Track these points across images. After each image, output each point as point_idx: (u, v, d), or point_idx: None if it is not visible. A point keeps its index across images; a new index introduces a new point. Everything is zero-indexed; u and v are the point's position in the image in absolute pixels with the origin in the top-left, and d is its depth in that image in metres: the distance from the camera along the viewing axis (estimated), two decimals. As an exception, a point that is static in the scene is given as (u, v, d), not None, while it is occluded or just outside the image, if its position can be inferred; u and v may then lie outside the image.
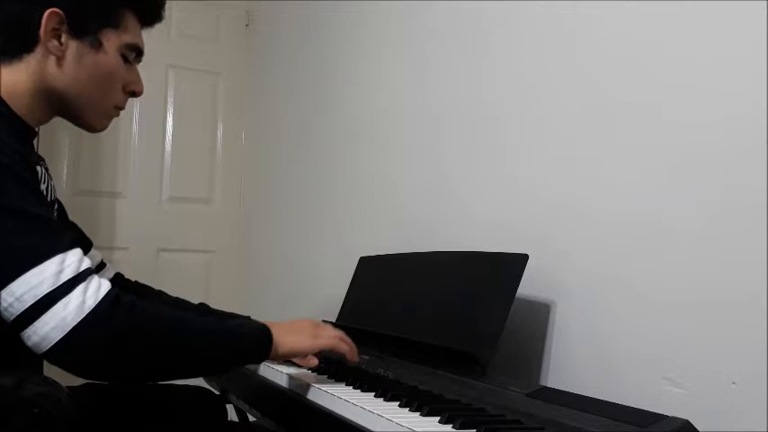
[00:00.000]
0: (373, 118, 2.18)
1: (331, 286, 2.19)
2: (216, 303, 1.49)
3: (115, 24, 1.13)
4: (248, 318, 1.36)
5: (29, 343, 0.90)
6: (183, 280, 2.87)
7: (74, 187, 2.82)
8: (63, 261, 0.91)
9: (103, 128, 1.19)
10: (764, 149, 1.06)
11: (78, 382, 1.27)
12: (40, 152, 1.18)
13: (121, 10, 1.14)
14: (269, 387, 1.31)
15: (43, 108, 1.11)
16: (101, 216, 2.86)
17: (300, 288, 2.58)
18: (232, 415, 1.56)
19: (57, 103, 1.12)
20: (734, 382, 1.08)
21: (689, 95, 1.20)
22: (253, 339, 1.11)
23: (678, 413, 0.92)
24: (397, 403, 1.04)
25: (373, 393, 1.10)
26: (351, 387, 1.16)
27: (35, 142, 1.17)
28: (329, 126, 2.45)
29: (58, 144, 2.77)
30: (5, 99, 1.07)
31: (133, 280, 1.48)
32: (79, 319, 0.89)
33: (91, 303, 0.90)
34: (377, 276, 1.75)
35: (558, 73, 1.48)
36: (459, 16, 1.80)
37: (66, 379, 0.97)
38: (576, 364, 1.35)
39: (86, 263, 0.94)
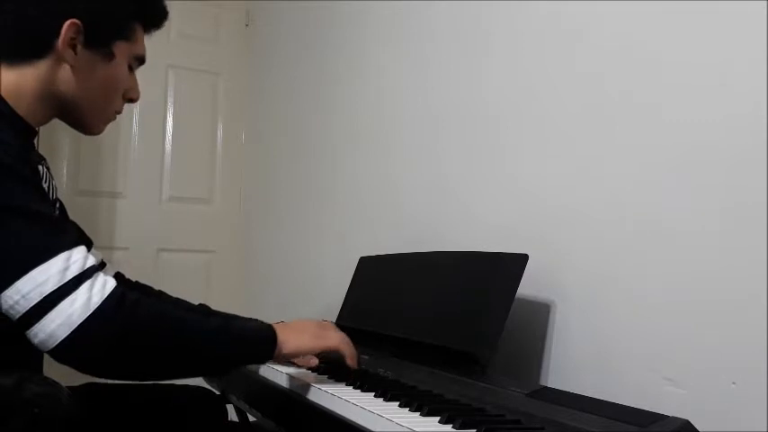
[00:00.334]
0: (373, 118, 2.18)
1: (331, 286, 2.20)
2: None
3: (127, 37, 1.15)
4: (252, 319, 1.37)
5: (35, 341, 0.90)
6: (183, 280, 2.87)
7: (74, 187, 2.82)
8: (69, 258, 0.92)
9: (100, 131, 1.21)
10: (764, 149, 1.06)
11: (78, 382, 1.27)
12: (40, 152, 1.18)
13: (133, 23, 1.16)
14: (269, 387, 1.31)
15: (45, 110, 1.12)
16: (101, 216, 2.86)
17: (300, 288, 2.58)
18: (232, 415, 1.56)
19: (60, 108, 1.13)
20: (734, 383, 1.08)
21: (689, 95, 1.20)
22: (257, 339, 1.11)
23: (678, 413, 0.92)
24: (397, 403, 1.04)
25: (373, 393, 1.10)
26: (351, 387, 1.16)
27: (35, 142, 1.18)
28: (329, 126, 2.45)
29: (58, 144, 2.77)
30: (7, 99, 1.08)
31: (134, 280, 1.48)
32: (86, 317, 0.89)
33: (97, 300, 0.90)
34: (377, 276, 1.75)
35: (558, 73, 1.48)
36: (459, 16, 1.80)
37: (66, 379, 0.98)
38: (576, 364, 1.35)
39: (91, 260, 0.95)
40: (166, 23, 1.23)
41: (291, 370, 1.30)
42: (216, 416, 1.43)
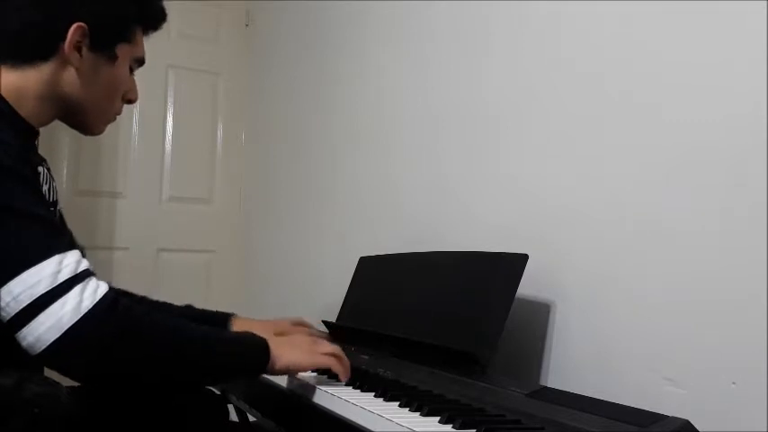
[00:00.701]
0: (373, 118, 2.18)
1: (331, 286, 2.19)
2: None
3: (128, 39, 1.16)
4: (231, 314, 1.39)
5: (24, 344, 0.90)
6: (183, 280, 2.87)
7: (74, 187, 2.82)
8: (61, 261, 0.91)
9: (101, 132, 1.22)
10: (764, 149, 1.06)
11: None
12: (40, 152, 1.19)
13: (134, 25, 1.17)
14: (269, 387, 1.31)
15: (47, 111, 1.13)
16: (101, 216, 2.86)
17: (300, 288, 2.58)
18: (232, 415, 1.56)
19: (63, 109, 1.14)
20: (734, 383, 1.08)
21: (689, 95, 1.20)
22: (251, 352, 1.10)
23: (678, 413, 0.92)
24: (397, 403, 1.04)
25: (373, 393, 1.10)
26: (351, 387, 1.16)
27: (36, 143, 1.18)
28: (329, 126, 2.45)
29: (58, 144, 2.77)
30: (9, 100, 1.08)
31: (122, 289, 1.47)
32: (75, 320, 0.89)
33: (88, 304, 0.90)
34: (377, 276, 1.75)
35: (558, 73, 1.48)
36: (459, 16, 1.80)
37: (66, 379, 0.97)
38: (576, 364, 1.35)
39: (84, 264, 0.94)
40: (165, 25, 1.24)
41: (291, 370, 1.30)
42: (216, 416, 1.43)
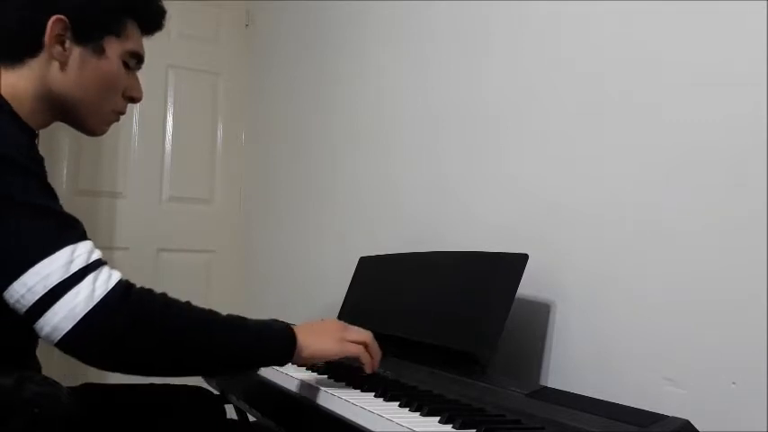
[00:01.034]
0: (373, 118, 2.18)
1: (331, 286, 2.20)
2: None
3: (117, 32, 1.14)
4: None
5: (42, 334, 0.91)
6: (183, 280, 2.87)
7: (74, 187, 2.82)
8: (73, 252, 0.92)
9: (102, 132, 1.20)
10: (764, 149, 1.06)
11: (78, 382, 1.27)
12: (40, 151, 1.18)
13: (124, 19, 1.15)
14: (269, 387, 1.31)
15: (45, 112, 1.13)
16: (101, 216, 2.86)
17: (300, 288, 2.58)
18: (231, 415, 1.56)
19: (58, 108, 1.13)
20: (734, 383, 1.08)
21: (689, 95, 1.20)
22: (275, 339, 1.07)
23: (678, 413, 0.92)
24: (397, 403, 1.04)
25: (373, 393, 1.10)
26: (351, 387, 1.16)
27: (35, 144, 1.18)
28: (329, 126, 2.45)
29: (58, 144, 2.77)
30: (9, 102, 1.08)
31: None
32: (89, 308, 0.89)
33: (101, 293, 0.91)
34: (377, 276, 1.75)
35: (558, 73, 1.48)
36: (460, 16, 1.80)
37: (66, 379, 0.98)
38: (576, 364, 1.35)
39: (97, 254, 0.95)
40: (167, 23, 1.23)
41: (291, 370, 1.30)
42: (215, 415, 1.43)
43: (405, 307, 1.55)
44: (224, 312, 1.07)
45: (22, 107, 1.08)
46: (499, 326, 1.26)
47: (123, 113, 1.21)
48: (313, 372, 1.31)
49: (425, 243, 1.73)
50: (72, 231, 0.95)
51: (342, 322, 1.18)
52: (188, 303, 1.03)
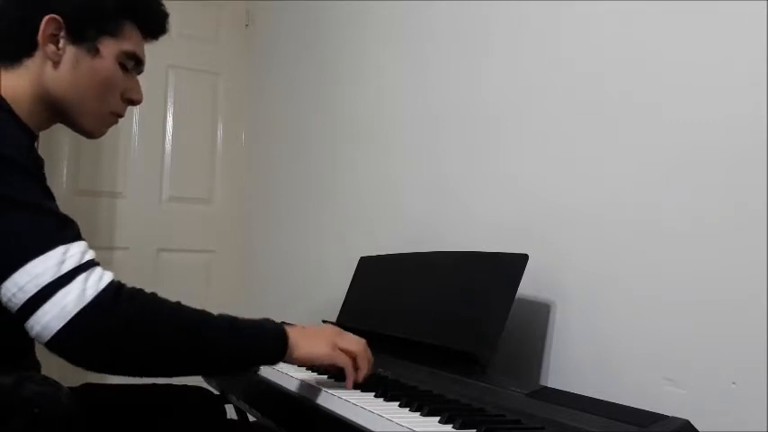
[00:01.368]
0: (373, 118, 2.18)
1: (331, 286, 2.20)
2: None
3: (113, 33, 1.14)
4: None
5: (32, 333, 0.91)
6: (183, 280, 2.87)
7: (74, 187, 2.82)
8: (66, 252, 0.92)
9: (101, 134, 1.20)
10: (764, 149, 1.06)
11: (78, 382, 1.27)
12: (40, 152, 1.18)
13: (121, 20, 1.15)
14: (269, 387, 1.31)
15: (43, 113, 1.13)
16: (101, 216, 2.86)
17: (300, 288, 2.58)
18: (231, 415, 1.56)
19: (55, 109, 1.13)
20: (734, 383, 1.08)
21: (689, 95, 1.20)
22: (267, 338, 1.07)
23: (678, 413, 0.92)
24: (397, 403, 1.04)
25: (373, 393, 1.10)
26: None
27: (35, 145, 1.18)
28: (329, 126, 2.45)
29: (58, 144, 2.77)
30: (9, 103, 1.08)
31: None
32: (79, 309, 0.89)
33: (91, 293, 0.90)
34: (377, 276, 1.75)
35: (558, 73, 1.48)
36: (460, 16, 1.80)
37: (66, 379, 0.97)
38: (576, 364, 1.35)
39: (89, 254, 0.95)
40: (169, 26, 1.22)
41: (291, 370, 1.30)
42: (215, 415, 1.43)
43: (405, 307, 1.55)
44: (223, 312, 1.07)
45: (21, 108, 1.08)
46: (499, 326, 1.26)
47: (121, 116, 1.20)
48: (313, 372, 1.31)
49: (425, 243, 1.73)
50: (66, 231, 0.95)
51: (338, 328, 1.18)
52: (178, 303, 1.02)
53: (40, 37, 1.08)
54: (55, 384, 0.92)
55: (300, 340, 1.09)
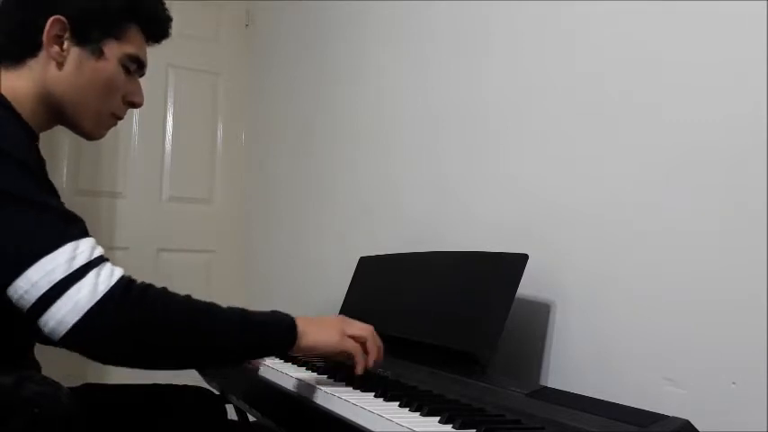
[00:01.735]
0: (373, 118, 2.18)
1: (331, 286, 2.20)
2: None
3: (117, 35, 1.14)
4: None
5: (46, 330, 0.91)
6: (183, 280, 2.84)
7: (74, 187, 2.82)
8: (76, 248, 0.93)
9: (101, 136, 1.20)
10: (764, 149, 1.06)
11: (78, 382, 1.27)
12: (41, 154, 1.19)
13: (126, 23, 1.15)
14: (269, 387, 1.31)
15: (43, 114, 1.13)
16: (101, 216, 2.86)
17: (300, 288, 2.58)
18: (232, 415, 1.56)
19: (56, 109, 1.13)
20: (734, 383, 1.08)
21: (689, 95, 1.20)
22: (277, 326, 1.10)
23: (678, 413, 0.92)
24: (397, 403, 1.04)
25: (373, 393, 1.10)
26: (350, 387, 1.16)
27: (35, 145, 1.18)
28: (329, 126, 2.45)
29: (58, 144, 2.77)
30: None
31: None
32: (92, 303, 0.90)
33: (104, 288, 0.91)
34: (377, 276, 1.75)
35: (558, 73, 1.48)
36: (460, 16, 1.80)
37: (66, 379, 0.98)
38: (576, 364, 1.35)
39: (99, 250, 0.96)
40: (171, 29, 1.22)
41: (291, 370, 1.30)
42: (215, 415, 1.43)
43: (405, 307, 1.55)
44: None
45: (23, 108, 1.08)
46: (499, 326, 1.26)
47: (121, 118, 1.21)
48: (313, 372, 1.31)
49: (425, 243, 1.73)
50: (74, 228, 0.96)
51: (344, 317, 1.19)
52: (189, 296, 1.04)
53: (44, 38, 1.09)
54: (55, 384, 0.92)
55: (308, 327, 1.11)
